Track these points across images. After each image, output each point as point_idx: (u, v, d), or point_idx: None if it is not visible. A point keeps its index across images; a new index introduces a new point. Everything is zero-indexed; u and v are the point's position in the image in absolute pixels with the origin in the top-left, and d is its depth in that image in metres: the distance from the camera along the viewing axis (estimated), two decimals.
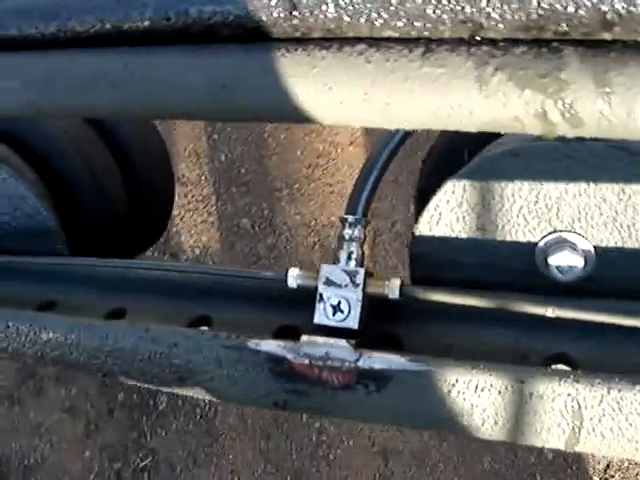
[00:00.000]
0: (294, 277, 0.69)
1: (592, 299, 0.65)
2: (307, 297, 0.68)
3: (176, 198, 1.45)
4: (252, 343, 0.67)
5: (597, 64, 0.41)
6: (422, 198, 0.87)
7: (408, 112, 0.46)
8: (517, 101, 0.43)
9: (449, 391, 0.60)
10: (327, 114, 0.49)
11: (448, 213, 0.67)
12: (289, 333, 0.71)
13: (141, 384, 0.75)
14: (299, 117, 0.49)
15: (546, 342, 0.65)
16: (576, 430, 0.59)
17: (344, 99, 0.47)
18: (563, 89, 0.41)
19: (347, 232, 0.68)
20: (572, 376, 0.58)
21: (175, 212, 1.46)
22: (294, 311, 0.71)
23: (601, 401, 0.57)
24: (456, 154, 0.74)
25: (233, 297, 0.75)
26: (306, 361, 0.65)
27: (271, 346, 0.66)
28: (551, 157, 0.63)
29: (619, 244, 0.64)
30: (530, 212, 0.65)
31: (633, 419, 0.56)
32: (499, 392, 0.59)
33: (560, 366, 0.63)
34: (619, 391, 0.56)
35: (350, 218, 0.68)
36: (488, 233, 0.67)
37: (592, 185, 0.62)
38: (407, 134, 0.71)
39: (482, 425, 0.60)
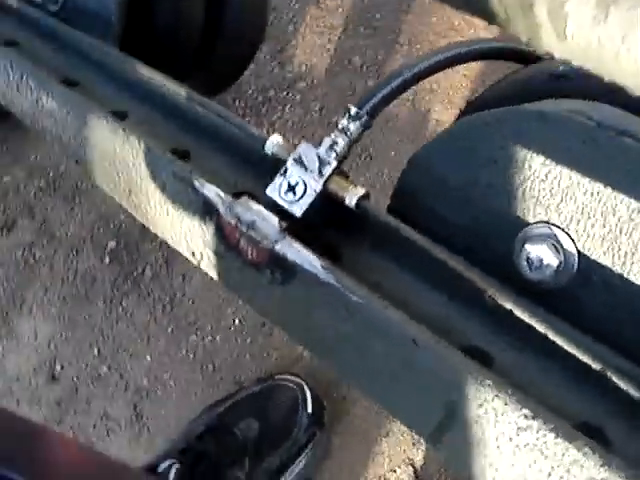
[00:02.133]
0: (272, 144, 0.64)
1: (546, 311, 0.56)
2: (276, 167, 0.63)
3: (307, 19, 1.47)
4: (198, 182, 0.63)
5: None
6: None
7: None
8: None
9: (342, 319, 0.54)
10: None
11: (451, 153, 0.60)
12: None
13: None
14: None
15: (474, 331, 0.57)
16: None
17: None
18: None
19: (343, 122, 0.62)
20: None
21: (301, 29, 1.48)
22: (259, 176, 0.67)
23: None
24: None
25: (215, 140, 0.71)
26: (233, 221, 0.60)
27: (212, 192, 0.62)
28: (579, 137, 0.53)
29: (606, 268, 0.54)
30: (532, 191, 0.56)
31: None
32: None
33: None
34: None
35: (353, 110, 0.62)
36: (481, 195, 0.59)
37: (608, 190, 0.53)
38: (450, 63, 0.63)
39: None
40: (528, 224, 0.57)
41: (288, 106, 1.44)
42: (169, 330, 1.35)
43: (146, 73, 0.78)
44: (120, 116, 0.76)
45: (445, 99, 1.36)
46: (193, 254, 0.65)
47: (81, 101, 0.73)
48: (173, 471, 1.10)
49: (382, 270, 0.61)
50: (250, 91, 1.46)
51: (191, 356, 1.31)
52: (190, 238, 0.64)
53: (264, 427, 1.14)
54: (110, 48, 0.83)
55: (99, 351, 1.42)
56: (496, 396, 0.49)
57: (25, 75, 0.76)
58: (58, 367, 1.44)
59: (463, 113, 0.74)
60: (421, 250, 0.57)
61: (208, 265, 0.64)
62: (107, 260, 1.44)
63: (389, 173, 1.36)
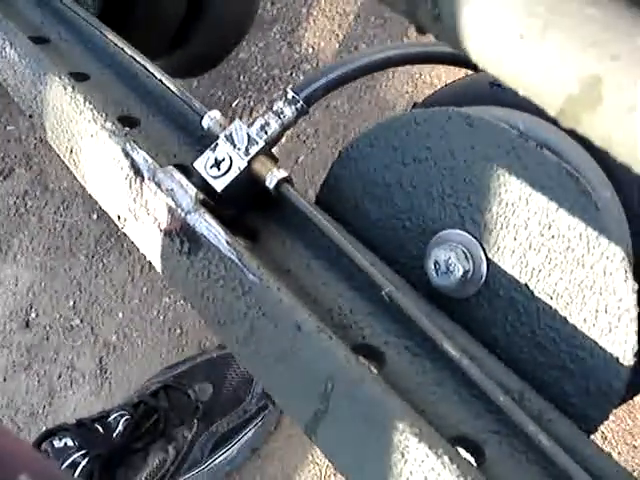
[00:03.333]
0: (209, 119, 0.63)
1: (449, 319, 0.54)
2: (210, 142, 0.62)
3: (322, 3, 1.48)
4: (130, 146, 0.62)
5: None
6: None
7: None
8: None
9: (237, 296, 0.53)
10: None
11: (380, 149, 0.59)
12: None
13: None
14: None
15: (373, 329, 0.55)
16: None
17: None
18: None
19: (279, 104, 0.61)
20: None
21: (314, 12, 1.49)
22: (194, 149, 0.66)
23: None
24: None
25: (163, 112, 0.71)
26: (153, 188, 0.59)
27: (140, 157, 0.62)
28: (501, 145, 0.52)
29: (513, 283, 0.52)
30: (451, 196, 0.55)
31: None
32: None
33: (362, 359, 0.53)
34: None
35: (290, 94, 0.61)
36: (402, 195, 0.58)
37: (522, 202, 0.51)
38: (399, 62, 0.62)
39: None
40: (443, 228, 0.56)
41: (290, 86, 1.45)
42: (144, 290, 1.36)
43: (116, 42, 0.78)
44: (81, 78, 0.76)
45: None
46: (118, 217, 0.64)
47: (41, 57, 0.73)
48: (122, 421, 1.12)
49: (294, 256, 0.59)
50: (256, 67, 1.46)
51: (161, 318, 1.33)
52: (116, 201, 0.64)
53: (217, 392, 1.17)
54: (88, 14, 0.84)
55: (74, 303, 1.43)
56: (372, 395, 0.47)
57: None
58: (33, 314, 1.47)
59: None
60: (331, 242, 0.56)
61: (130, 230, 0.63)
62: (95, 216, 1.46)
63: None
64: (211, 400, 1.17)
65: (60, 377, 1.40)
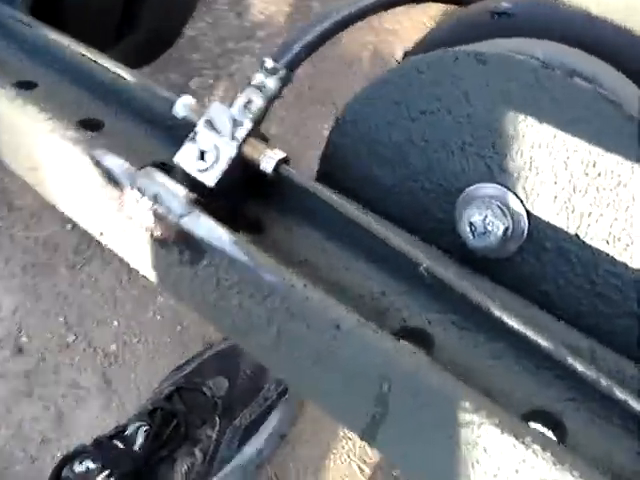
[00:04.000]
0: (183, 106, 0.56)
1: (493, 283, 0.49)
2: (187, 132, 0.55)
3: None
4: (99, 153, 0.55)
5: None
6: None
7: None
8: None
9: (256, 301, 0.47)
10: None
11: (382, 107, 0.52)
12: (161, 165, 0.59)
13: None
14: None
15: (411, 310, 0.50)
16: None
17: None
18: None
19: (258, 76, 0.54)
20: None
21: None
22: (170, 143, 0.59)
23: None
24: None
25: (127, 107, 0.63)
26: (137, 195, 0.52)
27: (114, 164, 0.54)
28: (523, 79, 0.46)
29: (560, 232, 0.47)
30: (472, 145, 0.49)
31: None
32: None
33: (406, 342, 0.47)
34: None
35: (269, 63, 0.54)
36: (416, 153, 0.51)
37: (558, 141, 0.45)
38: (381, 6, 0.55)
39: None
40: (470, 184, 0.49)
41: (248, 56, 1.37)
42: (135, 293, 1.30)
43: (58, 40, 0.70)
44: (27, 86, 0.68)
45: (408, 40, 1.31)
46: (101, 234, 0.57)
47: None
48: (141, 432, 1.07)
49: (308, 243, 0.53)
50: (207, 43, 1.38)
51: (158, 317, 1.27)
52: (95, 217, 0.57)
53: (233, 385, 1.11)
54: (19, 13, 0.75)
55: (65, 319, 1.37)
56: (433, 385, 0.42)
57: None
58: (24, 338, 1.40)
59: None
60: (348, 220, 0.49)
61: (117, 246, 0.57)
62: (69, 226, 1.39)
63: None
64: (228, 394, 1.12)
65: (65, 398, 1.34)
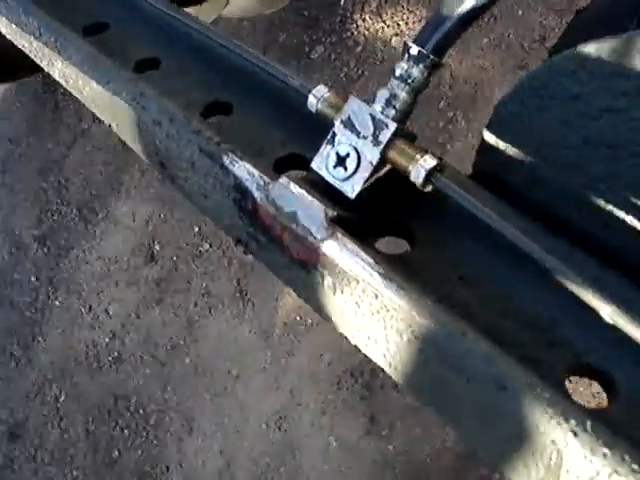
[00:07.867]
0: (316, 99, 0.49)
1: None
2: (321, 128, 0.49)
3: None
4: (227, 158, 0.50)
5: None
6: None
7: None
8: None
9: (407, 340, 0.42)
10: None
11: (558, 98, 0.43)
12: (293, 161, 0.54)
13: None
14: None
15: (588, 343, 0.42)
16: None
17: None
18: None
19: (403, 66, 0.46)
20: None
21: None
22: (304, 138, 0.53)
23: None
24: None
25: (254, 91, 0.57)
26: (272, 210, 0.48)
27: (243, 171, 0.49)
28: None
29: None
30: None
31: None
32: None
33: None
34: None
35: (414, 48, 0.45)
36: (596, 156, 0.42)
37: None
38: None
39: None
40: None
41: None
42: None
43: (183, 18, 0.64)
44: (150, 64, 0.64)
45: None
46: (238, 241, 0.53)
47: (98, 58, 0.61)
48: None
49: (465, 261, 0.46)
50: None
51: None
52: (231, 225, 0.53)
53: None
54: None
55: (200, 229, 1.39)
56: (608, 453, 0.36)
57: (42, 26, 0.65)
58: (157, 247, 1.44)
59: (570, 27, 0.55)
60: (510, 237, 0.42)
61: (257, 256, 0.53)
62: None
63: (516, 32, 1.19)
64: None
65: (196, 306, 1.36)
